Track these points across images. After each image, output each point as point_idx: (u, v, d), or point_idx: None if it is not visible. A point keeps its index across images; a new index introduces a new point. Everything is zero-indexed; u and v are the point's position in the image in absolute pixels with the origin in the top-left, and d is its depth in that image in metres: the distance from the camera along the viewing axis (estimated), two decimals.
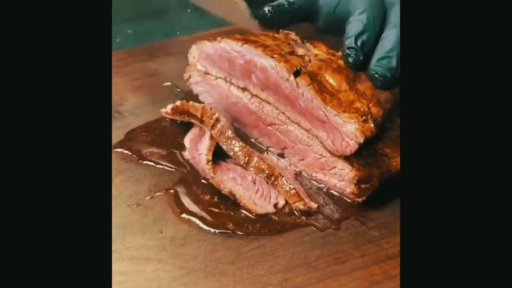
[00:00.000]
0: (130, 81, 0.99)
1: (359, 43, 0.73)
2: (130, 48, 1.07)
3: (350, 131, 0.76)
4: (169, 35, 1.16)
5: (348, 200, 0.80)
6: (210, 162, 0.79)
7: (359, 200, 0.79)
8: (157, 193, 0.79)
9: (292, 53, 0.82)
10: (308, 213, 0.78)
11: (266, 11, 0.79)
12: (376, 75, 0.71)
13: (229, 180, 0.79)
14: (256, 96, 0.85)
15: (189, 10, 1.23)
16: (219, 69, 0.89)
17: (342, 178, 0.79)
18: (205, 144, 0.81)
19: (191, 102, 0.86)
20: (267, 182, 0.80)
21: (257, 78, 0.83)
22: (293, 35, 0.88)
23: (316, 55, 0.84)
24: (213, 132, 0.81)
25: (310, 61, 0.82)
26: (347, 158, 0.78)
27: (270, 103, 0.84)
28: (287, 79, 0.80)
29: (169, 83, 0.99)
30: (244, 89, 0.87)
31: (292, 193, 0.78)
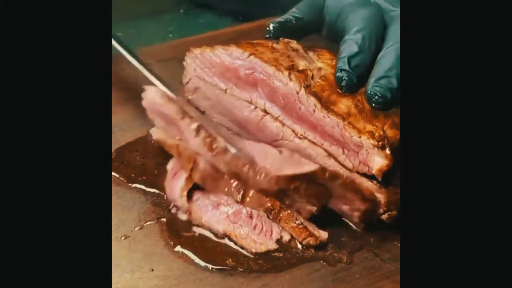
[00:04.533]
0: (118, 91, 0.92)
1: (352, 64, 0.72)
2: (119, 53, 0.98)
3: (377, 163, 0.69)
4: (161, 38, 1.11)
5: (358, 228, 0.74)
6: (189, 213, 0.72)
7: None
8: (148, 223, 0.73)
9: (292, 67, 0.75)
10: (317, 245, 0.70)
11: (271, 27, 0.80)
12: (376, 97, 0.70)
13: (221, 221, 0.71)
14: (261, 109, 0.78)
15: (181, 11, 1.18)
16: (221, 78, 0.81)
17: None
18: (179, 184, 0.72)
19: (163, 138, 0.77)
20: (268, 217, 0.71)
21: (262, 89, 0.77)
22: (294, 44, 0.81)
23: (319, 68, 0.76)
24: (194, 177, 0.72)
25: (313, 77, 0.74)
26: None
27: (275, 117, 0.77)
28: (297, 92, 0.73)
29: None
30: (248, 102, 0.79)
31: (300, 229, 0.70)
